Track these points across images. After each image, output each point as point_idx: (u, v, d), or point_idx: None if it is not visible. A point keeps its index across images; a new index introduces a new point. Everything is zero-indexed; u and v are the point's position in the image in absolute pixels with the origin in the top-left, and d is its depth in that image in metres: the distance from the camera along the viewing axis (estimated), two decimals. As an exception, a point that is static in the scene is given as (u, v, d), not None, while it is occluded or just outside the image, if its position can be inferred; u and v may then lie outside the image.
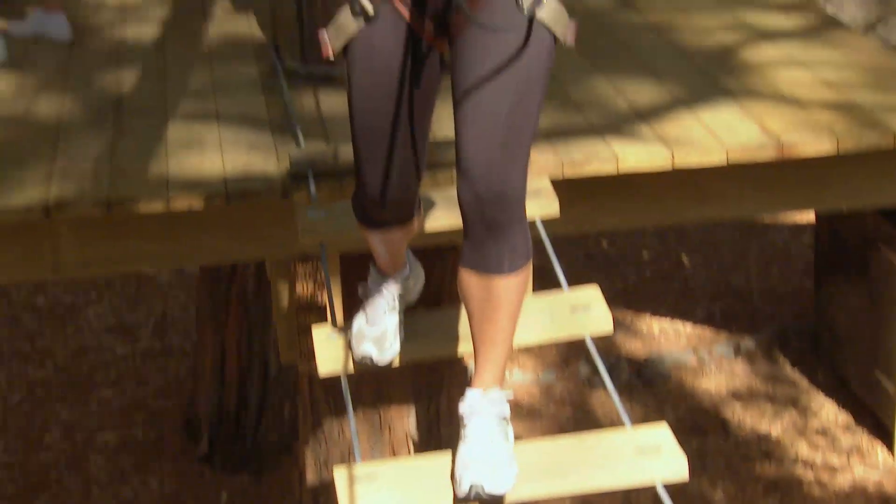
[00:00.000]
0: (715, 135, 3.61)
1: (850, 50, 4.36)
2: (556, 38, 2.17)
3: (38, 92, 3.97)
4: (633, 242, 6.35)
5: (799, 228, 6.35)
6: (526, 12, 2.09)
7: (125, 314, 5.95)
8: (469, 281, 2.23)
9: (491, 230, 2.16)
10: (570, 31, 2.17)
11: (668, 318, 5.72)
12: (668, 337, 5.59)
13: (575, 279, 2.80)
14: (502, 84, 2.10)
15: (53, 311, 5.97)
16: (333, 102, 3.82)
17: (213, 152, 3.54)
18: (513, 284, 2.22)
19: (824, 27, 4.65)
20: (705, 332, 5.60)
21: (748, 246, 6.28)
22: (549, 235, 2.96)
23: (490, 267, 2.20)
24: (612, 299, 5.16)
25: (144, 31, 4.55)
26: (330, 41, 2.23)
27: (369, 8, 2.18)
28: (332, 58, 2.26)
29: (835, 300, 5.01)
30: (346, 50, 2.24)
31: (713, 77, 4.10)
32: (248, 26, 4.62)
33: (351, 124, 2.31)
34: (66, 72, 4.14)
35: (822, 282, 5.12)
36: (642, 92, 3.97)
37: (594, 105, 3.87)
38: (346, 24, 2.21)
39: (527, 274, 2.26)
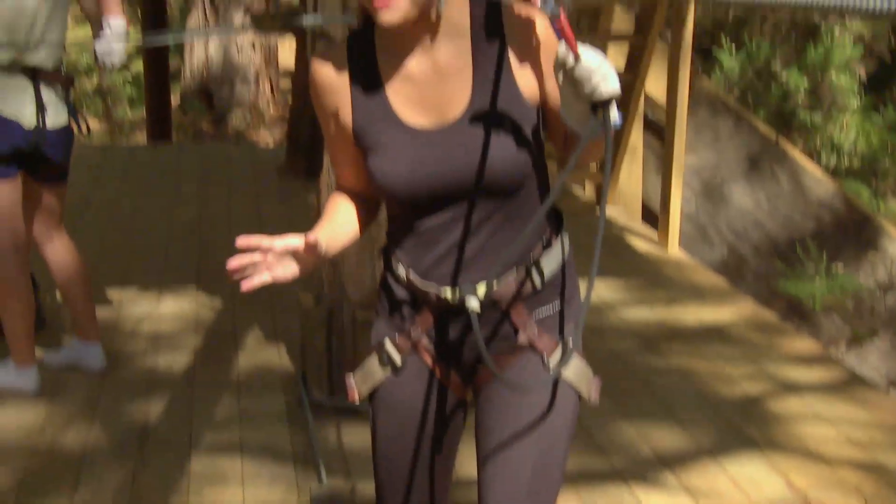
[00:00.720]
0: (740, 488, 3.57)
1: (875, 408, 4.36)
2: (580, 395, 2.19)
3: (65, 422, 3.99)
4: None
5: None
6: (552, 372, 2.13)
7: None
8: None
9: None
10: (595, 388, 2.20)
11: None
12: None
13: None
14: (527, 444, 2.11)
15: None
16: (357, 436, 3.84)
17: (235, 486, 3.52)
18: None
19: (847, 382, 4.67)
20: None
21: None
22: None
23: None
24: None
25: (176, 359, 4.64)
26: (357, 386, 2.26)
27: (397, 359, 2.22)
28: (357, 402, 2.29)
29: None
30: (371, 394, 2.27)
31: (737, 427, 4.10)
32: (277, 356, 4.70)
33: (374, 468, 2.31)
34: (95, 401, 4.19)
35: None
36: (666, 438, 3.96)
37: (618, 450, 3.86)
38: (374, 371, 2.25)
39: None
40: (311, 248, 1.94)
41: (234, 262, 1.92)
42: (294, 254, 1.97)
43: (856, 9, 1.08)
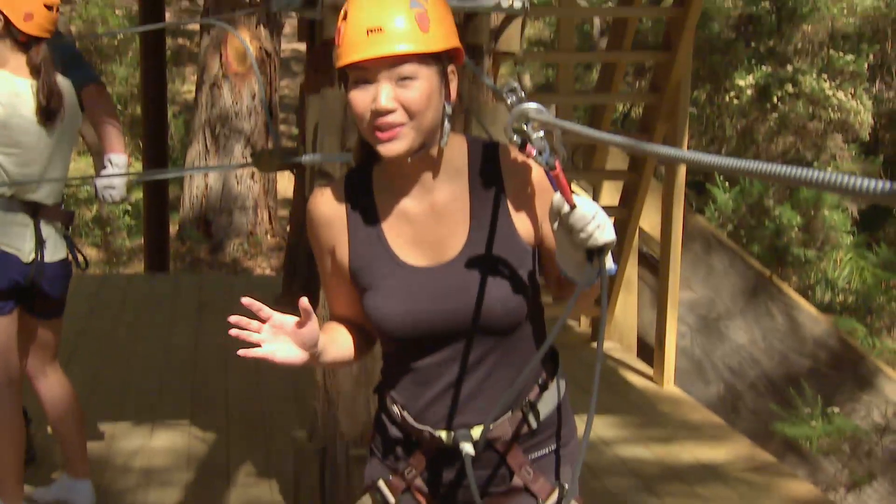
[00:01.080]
0: None
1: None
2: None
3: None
4: None
5: None
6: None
7: None
8: None
9: None
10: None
11: None
12: None
13: None
14: None
15: None
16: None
17: None
18: None
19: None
20: None
21: None
22: None
23: None
24: None
25: (167, 494, 4.56)
26: (350, 525, 2.25)
27: (391, 499, 2.21)
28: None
29: None
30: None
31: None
32: (269, 492, 4.63)
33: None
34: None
35: None
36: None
37: None
38: (367, 509, 2.24)
39: None
40: (307, 313, 1.95)
41: (235, 318, 1.95)
42: (291, 336, 1.98)
43: (847, 188, 1.09)
